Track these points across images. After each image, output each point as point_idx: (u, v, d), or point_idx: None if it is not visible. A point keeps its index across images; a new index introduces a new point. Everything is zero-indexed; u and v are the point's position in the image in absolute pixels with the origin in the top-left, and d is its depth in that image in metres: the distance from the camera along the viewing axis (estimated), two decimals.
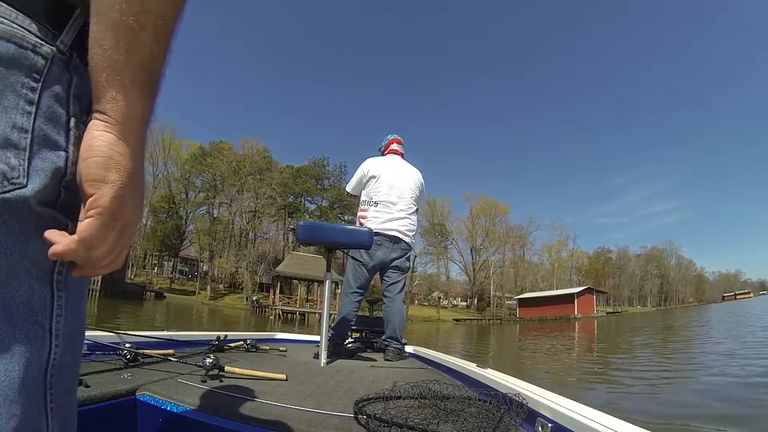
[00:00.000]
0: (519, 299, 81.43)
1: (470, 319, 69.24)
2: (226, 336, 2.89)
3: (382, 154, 4.19)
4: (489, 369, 2.18)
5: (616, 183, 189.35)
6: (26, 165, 0.50)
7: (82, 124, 0.56)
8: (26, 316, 0.51)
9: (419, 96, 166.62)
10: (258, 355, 2.82)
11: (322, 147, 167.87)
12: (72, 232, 0.52)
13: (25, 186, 0.50)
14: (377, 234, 3.60)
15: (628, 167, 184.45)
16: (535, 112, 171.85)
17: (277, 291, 51.84)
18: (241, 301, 59.36)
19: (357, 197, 4.06)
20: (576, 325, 46.58)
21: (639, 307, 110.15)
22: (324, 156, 77.25)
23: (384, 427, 1.29)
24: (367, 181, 3.90)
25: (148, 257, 70.45)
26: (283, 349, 3.17)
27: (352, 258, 3.75)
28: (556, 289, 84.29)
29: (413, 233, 3.90)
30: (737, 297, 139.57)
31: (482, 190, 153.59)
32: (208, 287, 63.81)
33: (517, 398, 1.51)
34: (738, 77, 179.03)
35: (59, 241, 0.51)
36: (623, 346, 17.67)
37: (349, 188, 4.13)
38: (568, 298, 72.76)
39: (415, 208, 3.95)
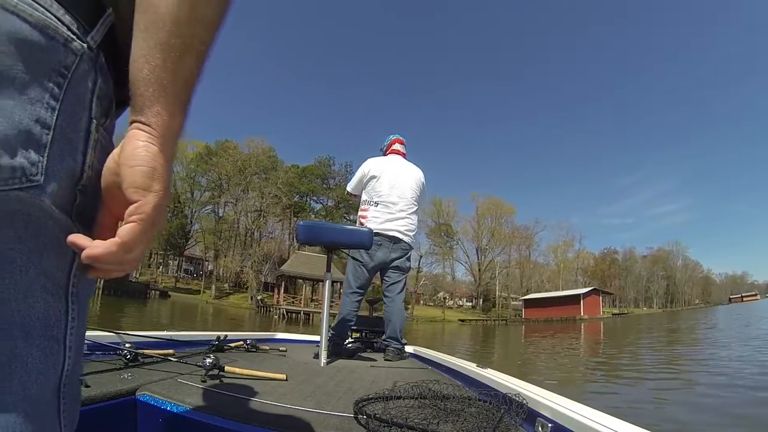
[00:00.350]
0: (525, 300, 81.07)
1: (476, 320, 69.09)
2: (226, 336, 2.89)
3: (384, 154, 4.19)
4: (489, 369, 2.18)
5: (622, 183, 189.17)
6: (45, 163, 0.48)
7: (102, 127, 0.57)
8: (43, 332, 0.50)
9: (425, 96, 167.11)
10: (258, 355, 2.83)
11: (328, 147, 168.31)
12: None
13: (42, 185, 0.48)
14: (377, 234, 3.59)
15: (635, 167, 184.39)
16: (542, 112, 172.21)
17: (281, 290, 51.98)
18: (245, 301, 59.48)
19: (358, 197, 4.06)
20: (582, 327, 46.12)
21: (645, 308, 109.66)
22: (329, 155, 77.23)
23: (384, 427, 1.28)
24: (368, 180, 3.90)
25: (153, 256, 70.61)
26: (283, 349, 3.18)
27: (353, 258, 3.75)
28: (562, 290, 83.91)
29: (414, 233, 3.90)
30: (744, 299, 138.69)
31: (488, 190, 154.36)
32: (213, 286, 63.99)
33: (517, 398, 1.51)
34: (740, 76, 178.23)
35: (90, 244, 0.51)
36: (628, 348, 17.44)
37: (349, 188, 4.14)
38: (574, 299, 72.31)
39: (416, 207, 3.95)
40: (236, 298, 62.14)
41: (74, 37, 0.52)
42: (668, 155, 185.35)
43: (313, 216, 70.42)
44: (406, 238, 3.78)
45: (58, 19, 0.50)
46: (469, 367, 2.41)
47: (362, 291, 3.72)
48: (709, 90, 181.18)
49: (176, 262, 73.47)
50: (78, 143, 0.53)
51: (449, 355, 3.06)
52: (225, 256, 68.15)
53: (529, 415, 1.46)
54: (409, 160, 4.16)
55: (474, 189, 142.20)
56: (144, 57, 0.53)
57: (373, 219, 3.75)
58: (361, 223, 3.77)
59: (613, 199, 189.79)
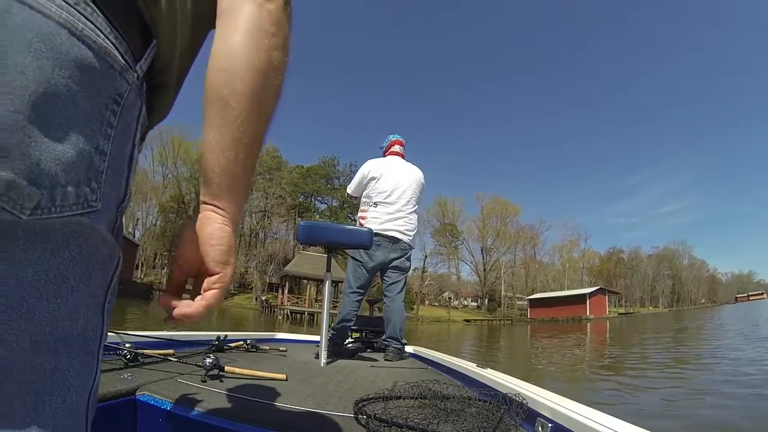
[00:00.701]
0: (530, 299, 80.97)
1: (481, 320, 69.04)
2: (226, 336, 2.89)
3: (384, 155, 4.23)
4: (489, 369, 2.20)
5: (627, 183, 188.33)
6: (101, 189, 0.49)
7: (139, 152, 0.59)
8: (82, 346, 0.51)
9: (430, 95, 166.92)
10: (258, 355, 2.84)
11: (333, 147, 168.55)
12: (121, 264, 0.57)
13: (99, 210, 0.49)
14: (377, 234, 3.61)
15: (640, 167, 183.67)
16: (547, 112, 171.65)
17: (286, 291, 51.82)
18: (250, 301, 59.60)
19: (357, 199, 4.10)
20: (588, 327, 45.87)
21: (651, 307, 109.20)
22: (334, 156, 77.75)
23: (384, 427, 1.29)
24: (368, 182, 3.94)
25: (158, 257, 70.80)
26: (283, 349, 3.18)
27: (352, 258, 3.78)
28: (567, 289, 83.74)
29: (413, 233, 3.93)
30: (750, 298, 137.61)
31: (493, 190, 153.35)
32: None
33: (517, 398, 1.52)
34: (751, 77, 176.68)
35: (181, 304, 0.63)
36: (638, 350, 17.01)
37: (350, 190, 4.18)
38: (580, 299, 72.11)
39: (415, 208, 3.98)
40: (241, 298, 62.24)
41: (129, 65, 0.52)
42: (674, 154, 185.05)
43: (318, 216, 70.75)
44: (405, 238, 3.80)
45: (116, 47, 0.50)
46: (469, 367, 2.42)
47: (362, 291, 3.75)
48: (716, 89, 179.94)
49: None
50: (124, 168, 0.55)
51: (456, 356, 3.04)
52: None
53: (529, 415, 1.46)
54: (409, 161, 4.20)
55: (479, 189, 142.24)
56: (220, 147, 0.62)
57: (372, 219, 3.78)
58: (361, 224, 3.80)
59: (618, 198, 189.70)
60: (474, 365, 2.43)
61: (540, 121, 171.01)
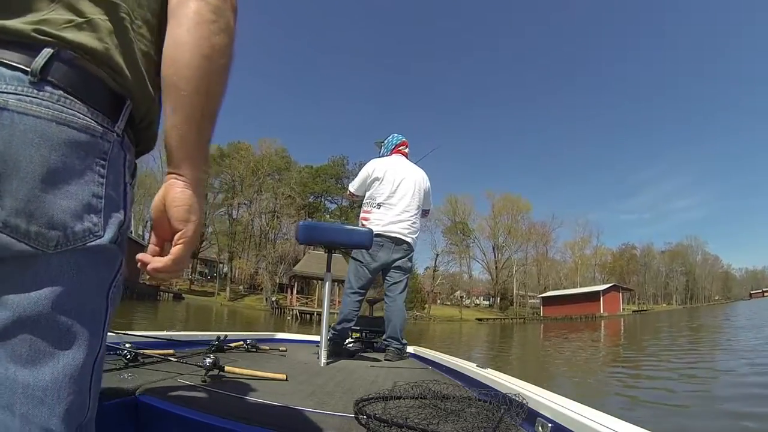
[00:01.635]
0: (543, 297, 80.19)
1: (493, 319, 68.67)
2: (226, 336, 2.92)
3: (389, 153, 4.22)
4: (489, 369, 2.19)
5: (639, 178, 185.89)
6: (103, 222, 0.71)
7: (131, 186, 0.80)
8: (92, 320, 0.73)
9: (439, 93, 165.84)
10: (258, 355, 2.86)
11: (342, 146, 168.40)
12: (124, 262, 0.79)
13: (103, 236, 0.71)
14: (379, 235, 3.64)
15: (652, 162, 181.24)
16: (557, 107, 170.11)
17: (294, 291, 51.68)
18: (260, 302, 59.51)
19: (359, 197, 4.12)
20: (602, 324, 45.38)
21: (664, 304, 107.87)
22: (343, 155, 77.27)
23: (384, 427, 1.30)
24: (371, 182, 3.94)
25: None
26: (283, 349, 3.20)
27: (354, 258, 3.79)
28: (580, 287, 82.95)
29: (416, 234, 3.94)
30: (765, 294, 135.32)
31: (504, 187, 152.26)
32: (228, 288, 64.11)
33: (517, 398, 1.52)
34: (766, 70, 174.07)
35: (153, 260, 0.79)
36: (652, 349, 16.39)
37: (352, 188, 4.16)
38: (594, 296, 71.20)
39: (418, 208, 3.98)
40: (251, 299, 62.23)
41: (107, 129, 0.73)
42: (686, 148, 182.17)
43: (328, 216, 70.91)
44: (408, 239, 3.82)
45: (94, 120, 0.71)
46: (469, 367, 2.43)
47: (363, 291, 3.77)
48: (729, 83, 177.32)
49: (191, 265, 72.76)
50: (120, 201, 0.76)
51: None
52: (239, 258, 68.48)
53: (529, 415, 1.46)
54: (412, 161, 4.23)
55: (489, 186, 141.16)
56: (175, 127, 0.77)
57: (375, 221, 3.78)
58: (363, 225, 3.78)
59: (630, 194, 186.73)
60: (474, 365, 2.44)
61: (551, 117, 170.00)
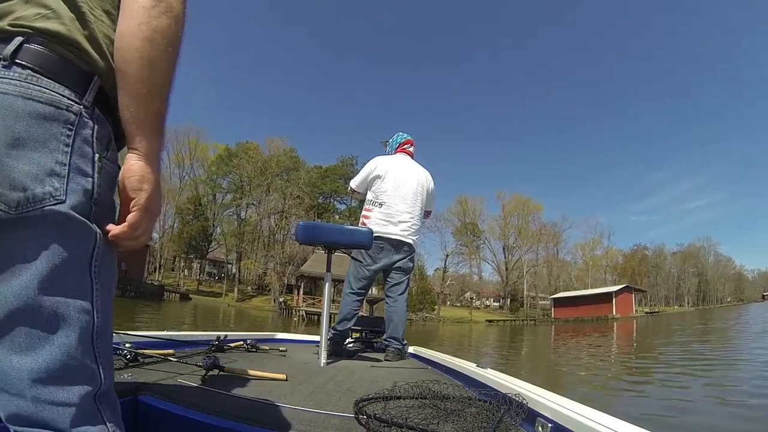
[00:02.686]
0: (554, 299, 79.25)
1: (503, 320, 68.36)
2: (226, 336, 2.94)
3: (394, 151, 4.20)
4: (489, 369, 2.20)
5: (651, 179, 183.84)
6: (65, 187, 0.75)
7: (105, 158, 0.85)
8: (78, 296, 0.77)
9: (450, 94, 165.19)
10: (258, 355, 2.87)
11: (352, 146, 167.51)
12: (103, 238, 0.83)
13: (64, 202, 0.75)
14: (380, 238, 3.64)
15: (664, 163, 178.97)
16: (568, 108, 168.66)
17: (301, 291, 51.55)
18: (269, 303, 59.59)
19: (361, 195, 4.08)
20: (615, 326, 44.34)
21: (676, 306, 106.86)
22: (352, 155, 76.85)
23: (384, 427, 1.31)
24: (373, 180, 3.92)
25: (177, 259, 70.44)
26: (283, 349, 3.20)
27: (354, 259, 3.80)
28: (591, 288, 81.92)
29: (418, 235, 3.92)
30: None
31: (515, 187, 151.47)
32: (236, 289, 64.24)
33: (517, 398, 1.53)
34: None
35: (114, 228, 0.84)
36: (672, 358, 14.90)
37: (353, 184, 4.14)
38: (606, 298, 70.01)
39: (421, 209, 3.97)
40: (259, 300, 62.37)
41: (73, 102, 0.79)
42: (699, 149, 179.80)
43: (337, 217, 70.80)
44: (409, 241, 3.80)
45: (60, 94, 0.78)
46: (469, 367, 2.44)
47: (363, 292, 3.75)
48: (742, 85, 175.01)
49: (199, 265, 73.77)
50: (88, 170, 0.80)
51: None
52: (248, 258, 68.48)
53: (529, 415, 1.47)
54: (417, 161, 4.20)
55: (500, 187, 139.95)
56: (125, 105, 0.83)
57: (376, 220, 3.77)
58: (364, 224, 3.79)
59: (642, 195, 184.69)
60: (474, 365, 2.44)
61: (562, 117, 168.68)
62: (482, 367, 2.28)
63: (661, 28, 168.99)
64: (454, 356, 3.02)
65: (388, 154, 4.20)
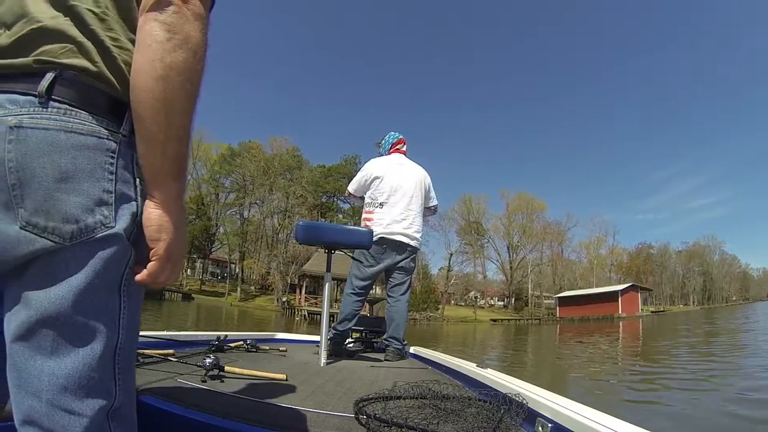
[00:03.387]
0: (559, 298, 78.75)
1: (508, 320, 67.96)
2: (226, 336, 2.94)
3: (387, 153, 4.22)
4: (489, 369, 2.21)
5: (656, 177, 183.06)
6: (114, 214, 0.80)
7: (141, 180, 0.86)
8: (106, 314, 0.80)
9: (454, 93, 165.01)
10: (258, 355, 2.88)
11: (355, 146, 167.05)
12: (134, 257, 0.85)
13: (115, 227, 0.79)
14: (382, 239, 3.67)
15: (669, 161, 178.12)
16: (572, 105, 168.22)
17: (303, 291, 51.22)
18: (272, 303, 59.40)
19: (358, 198, 4.12)
20: (621, 326, 43.61)
21: (681, 305, 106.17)
22: (356, 154, 76.26)
23: (384, 427, 1.32)
24: (371, 182, 3.93)
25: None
26: (283, 349, 3.22)
27: (355, 259, 3.80)
28: (595, 287, 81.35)
29: (420, 233, 3.93)
30: None
31: (519, 186, 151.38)
32: (239, 289, 64.24)
33: (517, 398, 1.54)
34: None
35: (138, 275, 0.86)
36: (692, 359, 13.92)
37: (351, 188, 4.16)
38: (612, 296, 69.43)
39: (420, 207, 3.98)
40: (263, 300, 62.20)
41: (112, 132, 0.82)
42: (705, 147, 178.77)
43: (341, 216, 70.67)
44: (412, 242, 3.82)
45: (100, 126, 0.80)
46: (469, 367, 2.45)
47: (364, 292, 3.76)
48: (744, 83, 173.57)
49: (202, 265, 73.94)
50: (131, 194, 0.84)
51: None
52: (251, 258, 68.59)
53: (529, 415, 1.48)
54: (416, 160, 4.25)
55: (504, 185, 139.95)
56: (140, 152, 0.83)
57: (378, 221, 3.79)
58: (366, 225, 3.79)
59: (647, 193, 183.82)
60: (474, 365, 2.45)
61: (565, 115, 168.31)
62: (482, 367, 2.29)
63: (665, 25, 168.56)
64: (457, 357, 3.01)
65: (381, 155, 4.22)
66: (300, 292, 52.04)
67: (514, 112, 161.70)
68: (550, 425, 1.34)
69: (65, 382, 0.75)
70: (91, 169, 0.78)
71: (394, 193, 3.83)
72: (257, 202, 69.94)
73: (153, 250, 0.86)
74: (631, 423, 1.20)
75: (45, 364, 0.74)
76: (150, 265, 0.86)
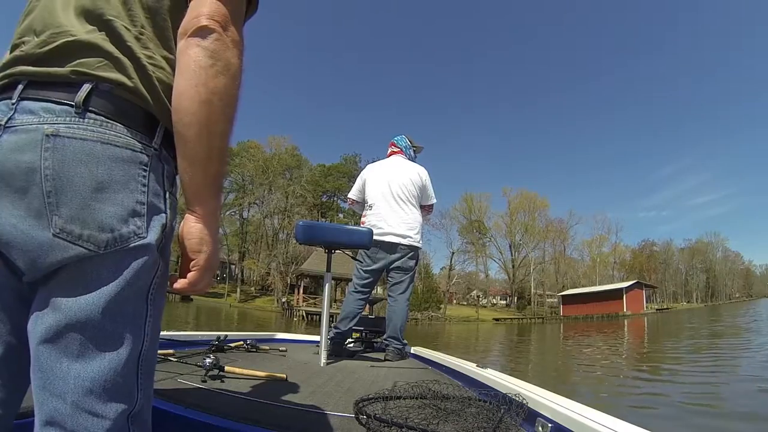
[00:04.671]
0: (562, 296, 78.43)
1: (511, 319, 67.80)
2: (226, 336, 2.95)
3: (387, 157, 4.28)
4: (489, 369, 2.22)
5: (659, 175, 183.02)
6: (146, 225, 0.82)
7: (171, 194, 0.90)
8: (134, 320, 0.82)
9: (455, 92, 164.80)
10: (258, 355, 2.89)
11: (356, 145, 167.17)
12: (161, 267, 0.87)
13: (147, 237, 0.81)
14: (374, 241, 3.61)
15: (672, 159, 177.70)
16: (575, 102, 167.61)
17: (301, 291, 50.78)
18: (272, 303, 59.26)
19: (358, 204, 4.19)
20: (626, 324, 43.34)
21: (684, 303, 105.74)
22: (356, 153, 76.77)
23: (384, 427, 1.33)
24: (364, 186, 4.04)
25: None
26: (283, 349, 3.22)
27: (355, 260, 3.87)
28: (598, 285, 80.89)
29: (415, 231, 3.93)
30: None
31: (521, 183, 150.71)
32: (238, 289, 64.05)
33: (517, 398, 1.55)
34: None
35: (177, 282, 0.91)
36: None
37: (351, 195, 4.26)
38: (616, 294, 68.89)
39: (413, 206, 3.98)
40: (262, 301, 62.08)
41: (145, 146, 0.84)
42: (707, 144, 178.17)
43: (341, 216, 70.23)
44: (404, 241, 3.83)
45: (134, 139, 0.82)
46: (469, 367, 2.46)
47: (366, 291, 3.78)
48: (747, 81, 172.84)
49: None
50: (162, 207, 0.86)
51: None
52: (250, 258, 68.48)
53: (529, 415, 1.49)
54: (417, 159, 4.29)
55: (506, 183, 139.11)
56: (183, 170, 0.87)
57: (369, 224, 3.81)
58: None
59: (650, 191, 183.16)
60: (474, 365, 2.46)
61: (569, 113, 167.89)
62: (482, 367, 2.29)
63: (666, 23, 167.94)
64: (458, 358, 3.01)
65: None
66: (298, 292, 51.62)
67: (516, 110, 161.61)
68: (550, 425, 1.34)
69: (91, 385, 0.76)
70: (126, 180, 0.80)
71: (384, 194, 3.88)
72: (257, 202, 69.90)
73: (194, 261, 0.89)
74: (631, 423, 1.20)
75: (71, 366, 0.75)
76: (191, 275, 0.90)
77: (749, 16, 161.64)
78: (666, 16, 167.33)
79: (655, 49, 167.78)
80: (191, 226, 0.89)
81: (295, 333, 4.71)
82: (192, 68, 0.82)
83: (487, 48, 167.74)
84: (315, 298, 49.52)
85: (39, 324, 0.77)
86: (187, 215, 0.90)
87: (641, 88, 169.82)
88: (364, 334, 4.28)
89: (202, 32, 0.83)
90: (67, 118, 0.78)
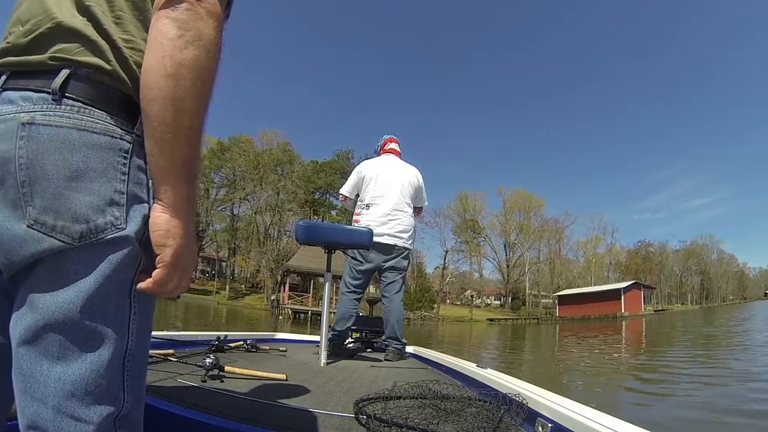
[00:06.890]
0: (559, 296, 77.53)
1: (506, 319, 66.84)
2: (226, 336, 2.95)
3: (378, 155, 4.27)
4: (489, 369, 2.22)
5: (655, 177, 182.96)
6: (125, 215, 0.78)
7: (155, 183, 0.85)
8: (116, 318, 0.78)
9: (451, 90, 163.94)
10: (258, 355, 2.89)
11: (349, 141, 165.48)
12: (143, 262, 0.82)
13: (125, 229, 0.77)
14: None
15: (667, 161, 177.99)
16: (572, 104, 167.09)
17: (287, 288, 49.57)
18: (261, 301, 58.35)
19: (351, 201, 4.13)
20: (624, 325, 42.47)
21: (679, 305, 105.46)
22: (348, 149, 75.84)
23: (384, 427, 1.33)
24: (360, 183, 3.99)
25: None
26: (283, 349, 3.23)
27: (349, 257, 3.86)
28: (594, 286, 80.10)
29: (408, 233, 3.91)
30: None
31: (516, 183, 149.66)
32: (227, 287, 63.27)
33: (517, 398, 1.55)
34: None
35: (142, 283, 0.81)
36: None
37: (343, 191, 4.17)
38: (614, 295, 67.75)
39: (409, 207, 3.97)
40: (252, 299, 61.20)
41: (125, 132, 0.80)
42: (703, 148, 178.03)
43: (334, 214, 69.19)
44: (399, 242, 3.82)
45: (114, 125, 0.79)
46: (469, 367, 2.46)
47: (359, 291, 3.80)
48: (744, 84, 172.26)
49: None
50: (143, 196, 0.82)
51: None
52: (240, 255, 67.87)
53: (529, 415, 1.50)
54: (406, 159, 4.27)
55: (501, 183, 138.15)
56: (150, 152, 0.80)
57: (364, 222, 3.79)
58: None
59: (646, 193, 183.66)
60: (474, 365, 2.47)
61: (566, 114, 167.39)
62: (482, 367, 2.29)
63: (663, 26, 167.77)
64: (457, 358, 3.02)
65: (374, 157, 4.27)
66: (283, 290, 50.20)
67: (513, 110, 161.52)
68: (550, 425, 1.35)
69: (72, 389, 0.73)
70: (104, 168, 0.76)
71: (380, 194, 3.85)
72: (248, 198, 68.94)
73: (159, 257, 0.81)
74: (631, 423, 1.20)
75: (52, 369, 0.72)
76: (156, 272, 0.82)
77: (748, 18, 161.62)
78: (664, 19, 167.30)
79: (654, 51, 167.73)
80: (156, 216, 0.81)
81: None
82: (159, 40, 0.76)
83: (485, 48, 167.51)
84: (302, 296, 48.37)
85: (18, 325, 0.74)
86: (154, 204, 0.82)
87: (639, 91, 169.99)
88: (363, 334, 4.26)
89: (170, 2, 0.77)
90: (44, 106, 0.75)
